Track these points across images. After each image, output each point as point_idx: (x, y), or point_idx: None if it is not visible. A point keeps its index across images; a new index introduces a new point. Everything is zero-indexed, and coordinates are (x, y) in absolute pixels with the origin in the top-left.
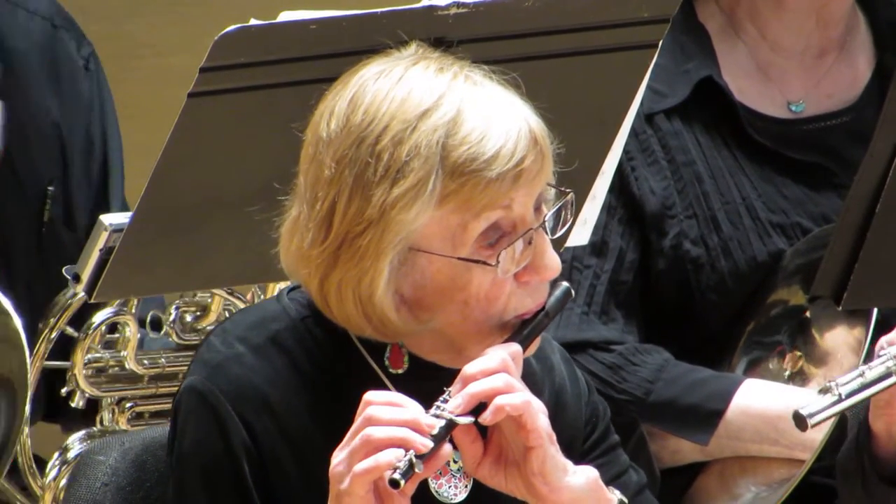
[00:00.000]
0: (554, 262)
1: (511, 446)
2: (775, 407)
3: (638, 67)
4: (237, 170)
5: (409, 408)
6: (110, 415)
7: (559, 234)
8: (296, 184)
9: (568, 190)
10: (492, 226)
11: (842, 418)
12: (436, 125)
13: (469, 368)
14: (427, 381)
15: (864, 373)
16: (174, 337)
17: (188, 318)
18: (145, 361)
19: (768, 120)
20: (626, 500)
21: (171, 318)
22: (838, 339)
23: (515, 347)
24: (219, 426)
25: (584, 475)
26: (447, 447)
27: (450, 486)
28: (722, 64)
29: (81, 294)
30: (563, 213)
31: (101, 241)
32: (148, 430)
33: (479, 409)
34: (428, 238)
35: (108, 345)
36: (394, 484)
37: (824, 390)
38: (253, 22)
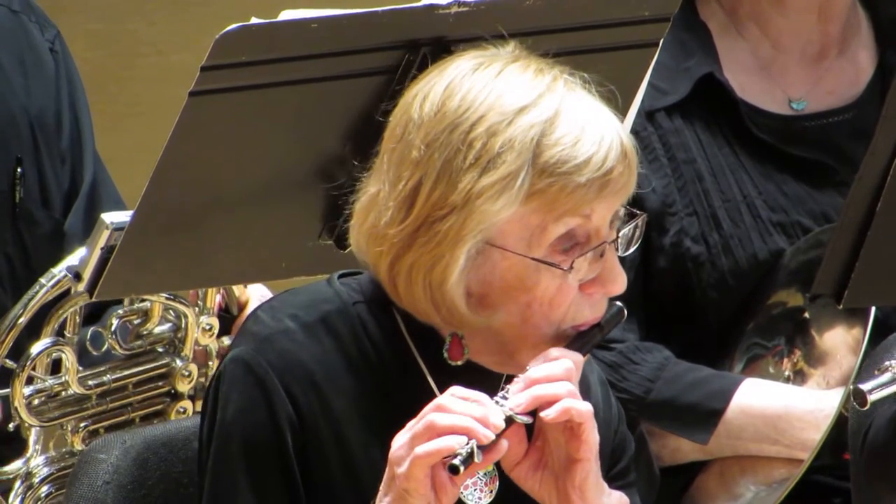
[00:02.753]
0: (621, 278)
1: (553, 454)
2: (775, 406)
3: (639, 66)
4: (238, 168)
5: (482, 404)
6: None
7: (628, 252)
8: (374, 162)
9: (641, 213)
10: (568, 232)
11: (841, 419)
12: (532, 122)
13: (535, 373)
14: (472, 382)
15: None
16: (117, 348)
17: (136, 321)
18: (90, 382)
19: (770, 117)
20: None
21: (113, 328)
22: (837, 338)
23: (578, 357)
24: (265, 397)
25: (618, 499)
26: (504, 442)
27: (475, 490)
28: (723, 61)
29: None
30: (635, 233)
31: (102, 239)
32: (149, 429)
33: (533, 412)
34: (505, 234)
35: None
36: (453, 470)
37: (882, 370)
38: (254, 21)
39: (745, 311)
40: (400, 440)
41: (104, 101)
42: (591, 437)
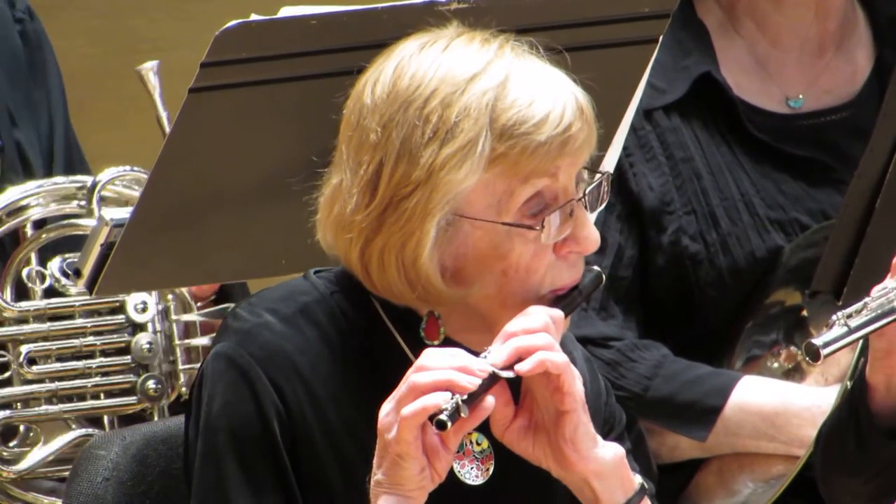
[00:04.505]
0: (594, 235)
1: (542, 412)
2: (773, 403)
3: (638, 63)
4: (238, 165)
5: (460, 355)
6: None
7: (597, 210)
8: (334, 155)
9: (605, 171)
10: (536, 194)
11: None
12: (485, 88)
13: (512, 326)
14: None
15: (867, 304)
16: (57, 284)
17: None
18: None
19: (767, 115)
20: (647, 485)
21: (57, 267)
22: None
23: (557, 312)
24: (249, 388)
25: (613, 450)
26: (490, 398)
27: (472, 468)
28: (721, 60)
29: None
30: (601, 190)
31: (101, 236)
32: (149, 425)
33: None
34: (472, 203)
35: None
36: (441, 426)
37: (830, 325)
38: (254, 17)
39: (744, 309)
40: (386, 408)
41: (104, 97)
42: (573, 387)
